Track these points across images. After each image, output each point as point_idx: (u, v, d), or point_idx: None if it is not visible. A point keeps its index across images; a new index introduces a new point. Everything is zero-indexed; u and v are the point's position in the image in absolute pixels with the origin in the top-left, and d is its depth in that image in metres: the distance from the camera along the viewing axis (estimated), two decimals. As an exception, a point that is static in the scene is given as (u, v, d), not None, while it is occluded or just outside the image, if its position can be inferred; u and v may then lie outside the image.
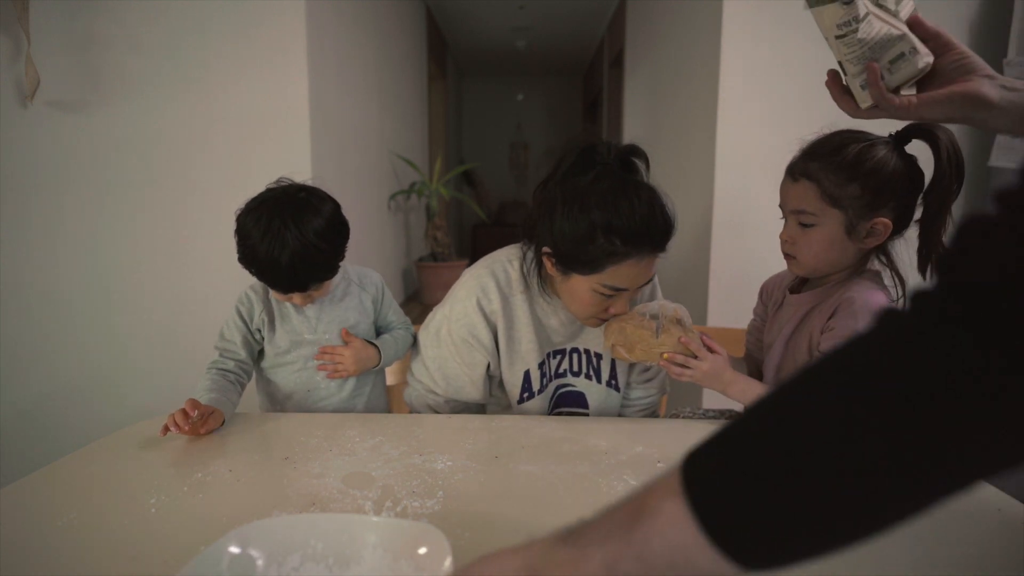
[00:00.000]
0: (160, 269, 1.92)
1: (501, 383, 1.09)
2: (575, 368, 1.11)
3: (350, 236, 1.08)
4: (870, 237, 0.90)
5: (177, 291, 1.93)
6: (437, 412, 1.11)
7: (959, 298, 0.31)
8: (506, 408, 1.11)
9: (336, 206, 1.06)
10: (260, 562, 0.54)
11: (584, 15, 4.86)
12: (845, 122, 0.83)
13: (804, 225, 0.91)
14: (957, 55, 0.68)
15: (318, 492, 0.73)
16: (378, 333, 1.20)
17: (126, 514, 0.69)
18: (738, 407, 1.09)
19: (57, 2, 1.76)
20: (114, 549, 0.62)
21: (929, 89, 0.68)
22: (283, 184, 1.05)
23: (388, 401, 1.27)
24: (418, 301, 3.81)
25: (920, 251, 0.89)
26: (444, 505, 0.71)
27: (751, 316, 1.17)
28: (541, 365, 1.07)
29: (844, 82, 0.73)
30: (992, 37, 1.70)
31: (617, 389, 1.12)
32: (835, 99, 0.75)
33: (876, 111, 0.71)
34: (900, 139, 0.89)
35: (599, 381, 1.11)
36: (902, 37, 0.67)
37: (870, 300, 0.89)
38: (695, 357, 0.96)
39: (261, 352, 1.13)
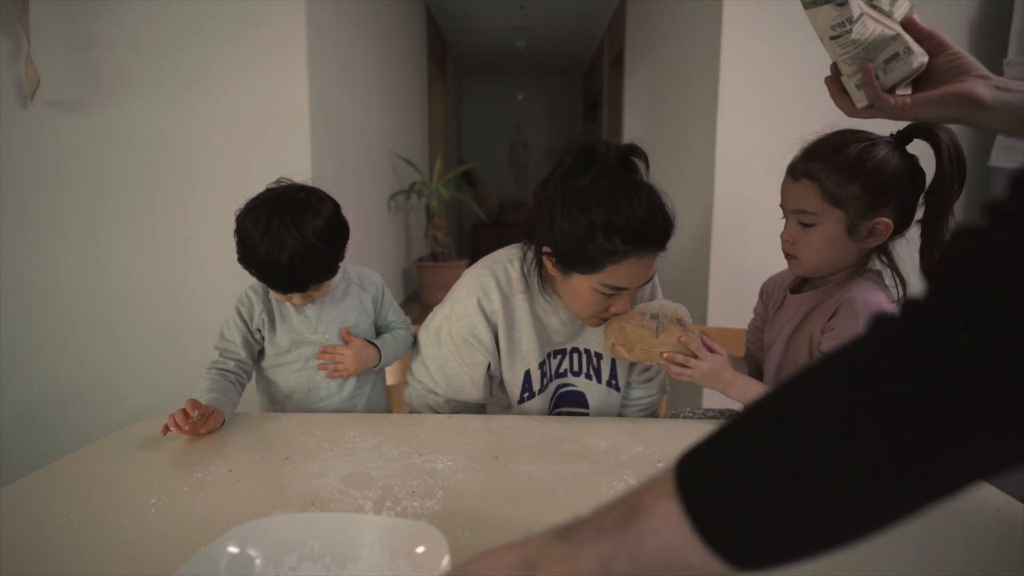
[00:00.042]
0: (160, 269, 1.92)
1: (501, 383, 1.09)
2: (575, 368, 1.11)
3: (350, 236, 1.08)
4: (871, 237, 0.90)
5: (177, 291, 1.93)
6: (437, 412, 1.11)
7: (958, 298, 0.31)
8: (506, 408, 1.11)
9: (336, 206, 1.06)
10: (258, 561, 0.54)
11: (584, 15, 4.86)
12: (846, 122, 0.83)
13: (805, 225, 0.91)
14: (951, 56, 0.68)
15: (318, 492, 0.73)
16: (378, 333, 1.20)
17: (126, 514, 0.69)
18: (738, 407, 1.08)
19: (57, 2, 1.76)
20: (114, 549, 0.62)
21: (924, 89, 0.69)
22: (283, 184, 1.05)
23: (388, 401, 1.27)
24: (418, 301, 3.81)
25: (922, 251, 0.89)
26: (444, 505, 0.71)
27: (751, 316, 1.17)
28: (541, 365, 1.07)
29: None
30: (992, 37, 1.70)
31: (617, 389, 1.11)
32: (833, 97, 0.75)
33: (872, 111, 0.71)
34: (901, 139, 0.89)
35: (599, 381, 1.11)
36: (896, 37, 0.67)
37: (871, 300, 0.88)
38: (695, 357, 0.96)
39: (261, 352, 1.13)
